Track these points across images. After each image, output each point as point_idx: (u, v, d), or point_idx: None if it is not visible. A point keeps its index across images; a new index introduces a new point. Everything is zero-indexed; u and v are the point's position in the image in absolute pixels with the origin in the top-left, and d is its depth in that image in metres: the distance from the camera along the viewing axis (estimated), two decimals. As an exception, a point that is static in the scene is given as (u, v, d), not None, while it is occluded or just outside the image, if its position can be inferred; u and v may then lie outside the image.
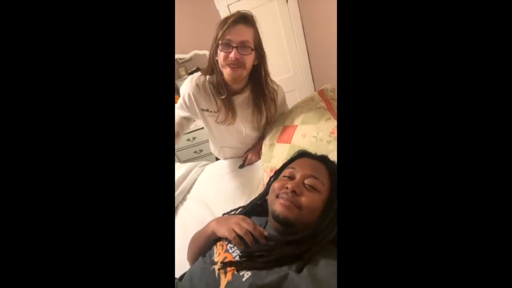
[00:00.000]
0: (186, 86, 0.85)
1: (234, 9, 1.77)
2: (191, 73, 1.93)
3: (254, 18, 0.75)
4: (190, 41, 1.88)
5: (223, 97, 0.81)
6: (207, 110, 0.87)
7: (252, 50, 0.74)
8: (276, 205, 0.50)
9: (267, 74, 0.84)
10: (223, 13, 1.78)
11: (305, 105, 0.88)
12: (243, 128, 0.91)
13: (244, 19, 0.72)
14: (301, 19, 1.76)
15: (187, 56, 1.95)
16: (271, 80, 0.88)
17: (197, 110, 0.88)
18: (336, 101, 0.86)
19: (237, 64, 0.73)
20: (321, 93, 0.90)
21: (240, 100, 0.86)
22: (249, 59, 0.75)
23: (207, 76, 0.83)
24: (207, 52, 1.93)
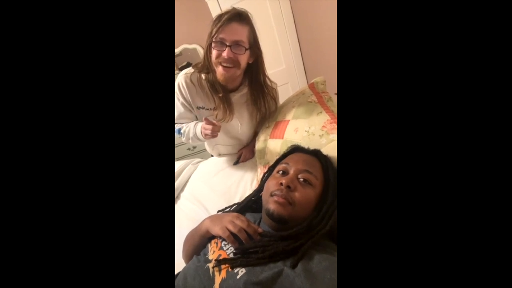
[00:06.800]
0: (180, 85, 0.83)
1: (222, 2, 1.73)
2: (182, 68, 1.89)
3: (250, 15, 0.73)
4: (179, 35, 1.84)
5: (220, 95, 0.80)
6: (203, 108, 0.86)
7: (246, 49, 0.73)
8: (270, 204, 0.50)
9: (264, 73, 0.84)
10: (212, 6, 1.74)
11: (296, 100, 0.87)
12: (238, 125, 0.91)
13: (239, 17, 0.70)
14: (292, 11, 1.73)
15: (176, 50, 1.91)
16: (269, 79, 0.87)
17: (194, 107, 0.87)
18: (327, 93, 0.86)
19: (231, 63, 0.72)
20: (312, 86, 0.89)
21: (238, 97, 0.85)
22: (243, 58, 0.74)
23: (203, 74, 0.81)
24: (197, 46, 1.89)
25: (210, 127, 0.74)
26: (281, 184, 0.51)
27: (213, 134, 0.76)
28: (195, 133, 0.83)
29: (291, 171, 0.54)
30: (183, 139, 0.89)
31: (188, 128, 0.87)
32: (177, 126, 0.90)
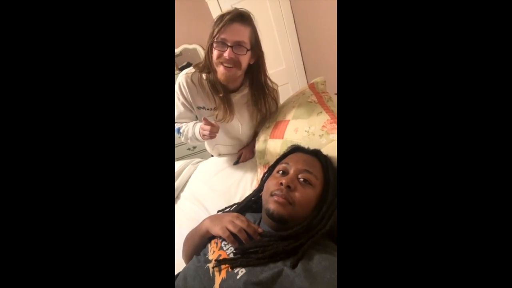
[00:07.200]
0: (181, 84, 0.83)
1: (222, 2, 1.73)
2: (182, 68, 1.89)
3: (252, 16, 0.73)
4: (179, 35, 1.84)
5: (221, 95, 0.80)
6: (203, 108, 0.86)
7: (247, 50, 0.73)
8: (270, 203, 0.50)
9: (265, 74, 0.84)
10: (212, 6, 1.74)
11: (296, 100, 0.87)
12: (239, 125, 0.91)
13: (241, 17, 0.70)
14: (292, 11, 1.73)
15: (176, 50, 1.91)
16: (270, 79, 0.88)
17: (194, 107, 0.87)
18: (327, 93, 0.86)
19: (232, 64, 0.72)
20: (312, 86, 0.90)
21: (238, 98, 0.85)
22: (244, 59, 0.74)
23: (204, 74, 0.81)
24: (197, 46, 1.89)
25: (208, 127, 0.74)
26: (281, 184, 0.51)
27: (211, 135, 0.76)
28: (194, 133, 0.83)
29: (291, 171, 0.54)
30: (182, 139, 0.89)
31: (187, 128, 0.87)
32: (176, 126, 0.90)
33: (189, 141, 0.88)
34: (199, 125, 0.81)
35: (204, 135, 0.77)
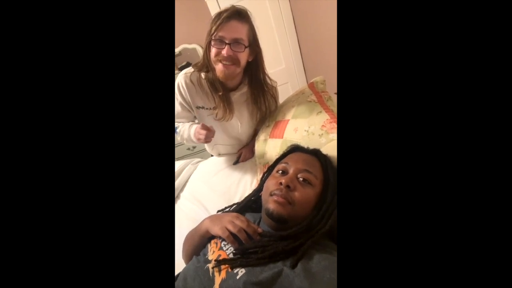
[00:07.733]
0: (180, 85, 0.83)
1: (222, 2, 1.73)
2: (181, 67, 1.89)
3: (249, 13, 0.73)
4: (179, 35, 1.83)
5: (220, 93, 0.79)
6: (203, 107, 0.86)
7: (245, 47, 0.73)
8: (270, 203, 0.50)
9: (264, 71, 0.84)
10: (211, 6, 1.74)
11: (296, 99, 0.87)
12: (239, 124, 0.91)
13: (239, 14, 0.70)
14: (292, 11, 1.73)
15: (176, 50, 1.90)
16: (269, 77, 0.87)
17: (193, 107, 0.87)
18: (326, 93, 0.86)
19: (230, 61, 0.72)
20: (311, 86, 0.89)
21: (237, 96, 0.85)
22: (243, 56, 0.74)
23: (203, 73, 0.81)
24: (196, 46, 1.88)
25: (204, 132, 0.74)
26: (281, 183, 0.51)
27: (206, 140, 0.76)
28: (189, 135, 0.84)
29: (291, 171, 0.54)
30: (179, 139, 0.89)
31: (183, 128, 0.87)
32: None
33: (185, 141, 0.88)
34: (195, 126, 0.81)
35: (199, 138, 0.77)
